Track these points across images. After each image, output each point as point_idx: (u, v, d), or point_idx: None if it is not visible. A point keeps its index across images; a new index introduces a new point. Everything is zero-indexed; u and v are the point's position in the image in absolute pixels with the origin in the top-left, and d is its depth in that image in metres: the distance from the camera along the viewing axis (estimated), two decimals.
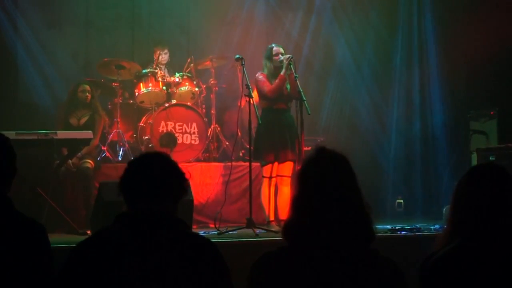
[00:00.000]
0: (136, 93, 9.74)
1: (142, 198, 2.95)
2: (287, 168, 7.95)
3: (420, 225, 7.68)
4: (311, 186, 2.77)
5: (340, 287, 2.69)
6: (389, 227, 7.48)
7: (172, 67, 10.15)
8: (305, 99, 7.66)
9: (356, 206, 2.77)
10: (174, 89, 9.76)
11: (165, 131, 9.40)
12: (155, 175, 2.97)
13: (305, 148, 8.13)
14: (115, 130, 9.44)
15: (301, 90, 7.70)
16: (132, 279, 2.74)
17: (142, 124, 9.62)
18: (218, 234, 7.39)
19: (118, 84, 9.65)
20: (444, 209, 8.38)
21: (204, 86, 10.01)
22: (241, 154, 9.73)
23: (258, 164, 8.21)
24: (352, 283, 2.69)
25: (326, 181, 2.75)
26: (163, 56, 10.03)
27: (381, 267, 2.77)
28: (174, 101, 9.65)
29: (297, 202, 2.79)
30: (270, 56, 8.08)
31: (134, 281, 2.74)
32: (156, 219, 2.89)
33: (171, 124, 9.44)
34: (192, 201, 7.25)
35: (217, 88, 10.01)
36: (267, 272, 2.75)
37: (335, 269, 2.69)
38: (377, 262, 2.77)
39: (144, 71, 9.81)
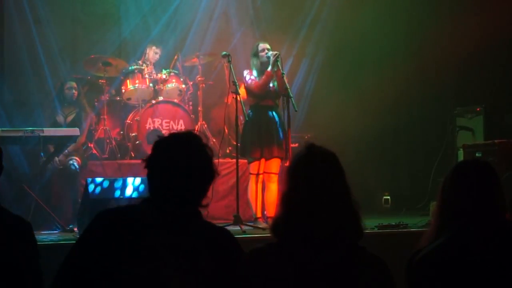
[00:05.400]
0: (123, 90, 9.73)
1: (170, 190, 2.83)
2: (274, 165, 7.95)
3: (407, 221, 7.69)
4: (300, 183, 2.77)
5: (327, 284, 2.69)
6: (376, 223, 7.50)
7: (159, 64, 10.12)
8: (292, 95, 7.69)
9: (345, 203, 2.76)
10: (161, 86, 9.75)
11: (152, 128, 9.38)
12: (186, 160, 2.85)
13: (292, 145, 8.14)
14: (101, 127, 9.42)
15: (288, 87, 7.72)
16: (160, 254, 2.69)
17: (129, 121, 9.59)
18: None
19: (104, 81, 9.61)
20: (430, 205, 8.41)
21: (191, 83, 9.99)
22: (228, 151, 9.73)
23: (245, 161, 8.22)
24: (339, 281, 2.69)
25: (315, 177, 2.75)
26: (154, 56, 9.98)
27: (369, 264, 2.77)
28: (161, 98, 9.64)
29: (286, 198, 2.79)
30: (256, 53, 8.09)
31: (162, 257, 2.69)
32: (181, 208, 2.84)
33: (158, 121, 9.43)
34: None
35: (204, 85, 10.00)
36: (254, 267, 2.75)
37: (322, 266, 2.69)
38: (365, 260, 2.77)
39: (131, 68, 9.79)
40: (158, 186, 2.87)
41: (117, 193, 7.21)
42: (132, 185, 7.28)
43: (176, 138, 2.94)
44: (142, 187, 7.23)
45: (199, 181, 2.88)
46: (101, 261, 2.70)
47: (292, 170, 2.84)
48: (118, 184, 7.35)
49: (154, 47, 10.02)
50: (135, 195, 7.21)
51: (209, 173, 2.90)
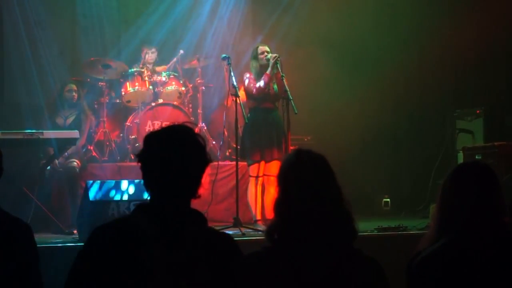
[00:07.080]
0: (123, 93, 9.73)
1: (165, 180, 2.79)
2: (274, 168, 7.94)
3: (406, 223, 7.69)
4: (291, 188, 2.77)
5: (323, 286, 2.69)
6: (375, 226, 7.49)
7: (158, 62, 10.13)
8: (291, 98, 7.69)
9: (336, 205, 2.77)
10: (160, 88, 9.75)
11: (151, 130, 9.36)
12: (179, 152, 2.83)
13: (292, 147, 8.13)
14: (101, 129, 9.42)
15: (288, 90, 7.72)
16: (156, 272, 2.67)
17: (129, 124, 9.60)
18: None
19: (104, 84, 9.62)
20: (430, 208, 8.41)
21: (191, 85, 10.00)
22: (227, 154, 9.73)
23: (245, 163, 8.21)
24: (334, 283, 2.69)
25: (305, 182, 2.75)
26: (150, 56, 10.01)
27: (363, 266, 2.77)
28: (160, 101, 9.65)
29: (278, 204, 2.80)
30: (256, 55, 8.10)
31: (159, 274, 2.67)
32: (178, 212, 2.78)
33: (157, 124, 9.42)
34: None
35: (203, 88, 10.00)
36: (251, 272, 2.74)
37: (317, 268, 2.69)
38: (359, 261, 2.77)
39: (130, 70, 9.79)
40: (153, 179, 2.83)
41: (117, 196, 7.21)
42: (132, 187, 7.28)
43: (166, 129, 2.92)
44: (140, 189, 7.22)
45: (193, 170, 2.83)
46: (100, 281, 2.69)
47: (282, 176, 2.84)
48: (118, 186, 7.35)
49: (146, 49, 10.02)
50: (134, 197, 7.21)
51: (203, 161, 2.86)
